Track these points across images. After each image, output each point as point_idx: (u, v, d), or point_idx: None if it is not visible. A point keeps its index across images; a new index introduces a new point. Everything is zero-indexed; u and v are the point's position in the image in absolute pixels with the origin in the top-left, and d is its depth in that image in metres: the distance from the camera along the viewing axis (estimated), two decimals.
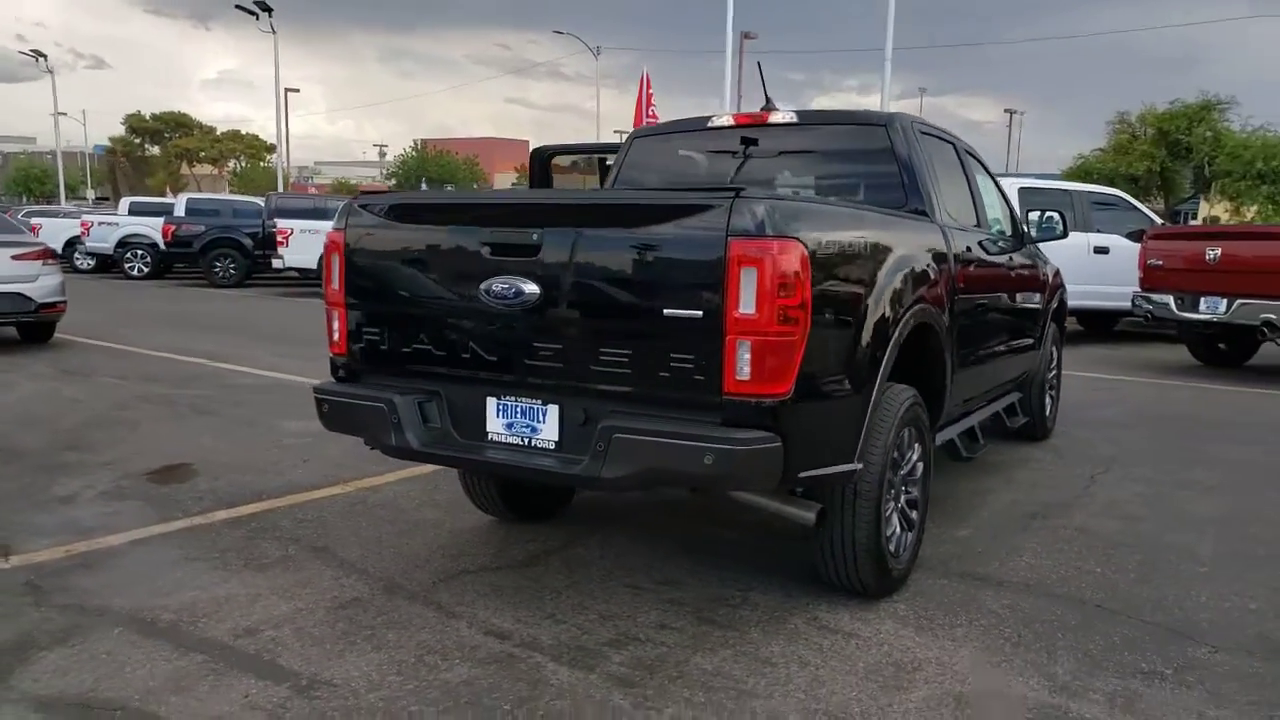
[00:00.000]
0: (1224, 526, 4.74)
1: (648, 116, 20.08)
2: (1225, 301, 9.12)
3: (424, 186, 30.53)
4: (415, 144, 53.32)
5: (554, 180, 5.96)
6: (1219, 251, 9.22)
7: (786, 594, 3.75)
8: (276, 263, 18.53)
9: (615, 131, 55.76)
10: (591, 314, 3.08)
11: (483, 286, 3.21)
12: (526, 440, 3.29)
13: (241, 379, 8.71)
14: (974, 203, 5.02)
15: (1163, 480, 5.61)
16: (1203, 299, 9.33)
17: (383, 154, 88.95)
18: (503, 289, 3.15)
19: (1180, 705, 2.93)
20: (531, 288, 3.11)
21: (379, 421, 3.42)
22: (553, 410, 3.24)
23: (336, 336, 3.64)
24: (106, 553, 4.12)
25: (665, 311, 2.91)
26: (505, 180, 59.47)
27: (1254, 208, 27.72)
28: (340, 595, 3.68)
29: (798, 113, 4.51)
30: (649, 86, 20.61)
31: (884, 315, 3.38)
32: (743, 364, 2.82)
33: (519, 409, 3.30)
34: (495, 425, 3.36)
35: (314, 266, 18.16)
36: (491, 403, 3.36)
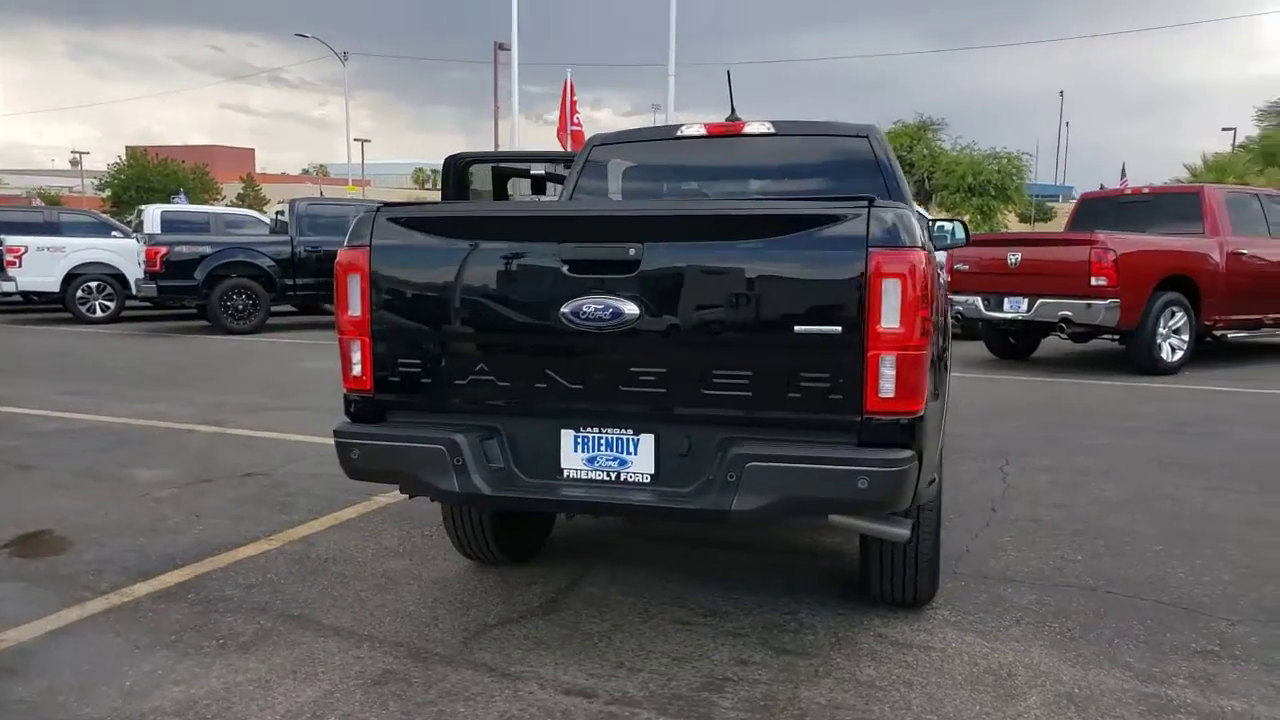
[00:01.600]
0: (1141, 507, 5.17)
1: (572, 125, 19.52)
2: (1027, 301, 10.07)
3: (181, 198, 27.60)
4: (127, 152, 48.35)
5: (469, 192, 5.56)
6: (1019, 256, 10.17)
7: (833, 612, 3.67)
8: (6, 285, 16.07)
9: (356, 140, 53.56)
10: (704, 335, 2.85)
11: (565, 309, 2.89)
12: (614, 475, 3.00)
13: (42, 424, 7.46)
14: None
15: (1061, 469, 6.05)
16: (1006, 299, 10.25)
17: (74, 162, 79.93)
18: (594, 310, 2.85)
19: (1251, 679, 3.13)
20: (631, 309, 2.84)
21: (434, 465, 2.99)
22: (646, 440, 2.97)
23: (358, 369, 3.15)
24: (22, 652, 3.35)
25: (796, 329, 2.75)
26: (232, 191, 55.34)
27: (966, 217, 30.98)
28: (365, 670, 3.19)
29: (774, 123, 4.45)
30: (572, 94, 19.86)
31: (943, 322, 3.39)
32: (886, 380, 2.71)
33: (603, 441, 3.00)
34: (572, 461, 3.04)
35: (56, 289, 16.01)
36: (567, 436, 3.03)
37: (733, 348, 2.84)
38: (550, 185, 5.29)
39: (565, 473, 3.04)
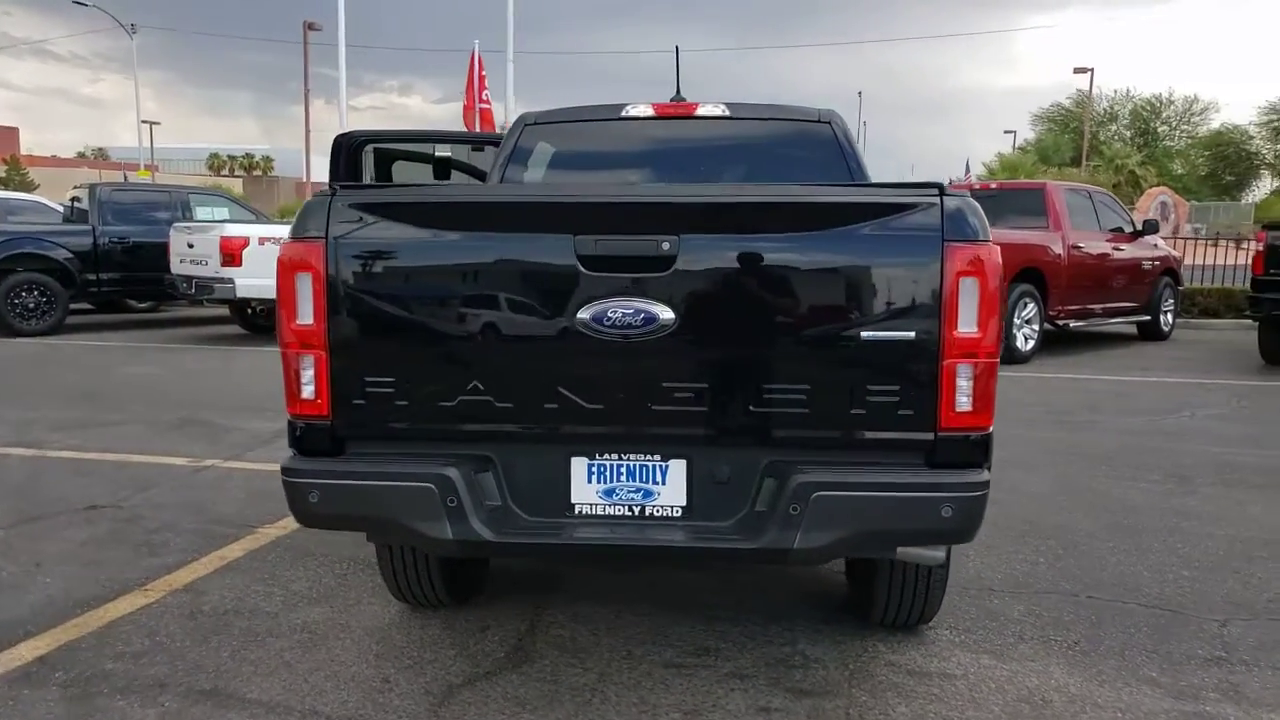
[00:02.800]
0: (1071, 501, 5.15)
1: (480, 102, 17.30)
2: None
3: None
4: None
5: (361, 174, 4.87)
6: None
7: (830, 639, 3.36)
8: None
9: (144, 122, 49.25)
10: (752, 343, 2.44)
11: (584, 314, 2.41)
12: (637, 509, 2.54)
13: None
14: None
15: None
16: None
17: None
18: (623, 316, 2.39)
19: (1270, 684, 3.04)
20: (665, 313, 2.39)
21: (421, 508, 2.44)
22: (677, 467, 2.53)
23: (311, 391, 2.54)
24: None
25: (864, 335, 2.38)
26: None
27: None
28: None
29: (728, 105, 4.06)
30: (481, 68, 17.48)
31: None
32: (963, 393, 2.39)
33: (623, 469, 2.54)
34: (586, 494, 2.56)
35: None
36: (579, 465, 2.55)
37: (787, 358, 2.45)
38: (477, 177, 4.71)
39: (577, 509, 2.56)
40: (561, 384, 2.47)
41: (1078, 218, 11.24)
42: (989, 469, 2.51)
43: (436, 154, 4.67)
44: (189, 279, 11.86)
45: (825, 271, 2.41)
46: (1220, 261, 16.28)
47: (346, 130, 4.73)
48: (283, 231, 11.71)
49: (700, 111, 4.05)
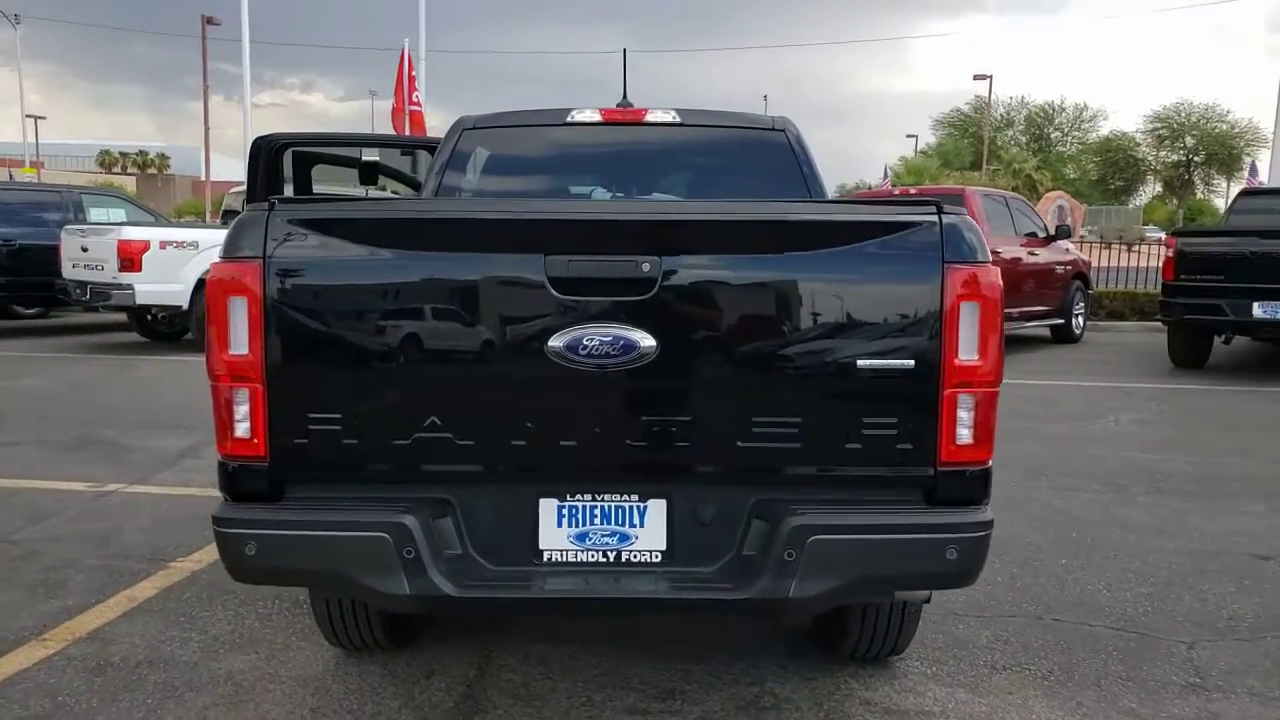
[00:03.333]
0: (1015, 514, 5.10)
1: (410, 104, 16.02)
2: None
3: None
4: None
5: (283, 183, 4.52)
6: None
7: (798, 675, 3.19)
8: None
9: (29, 117, 46.72)
10: (741, 373, 2.25)
11: (556, 342, 2.18)
12: (612, 554, 2.32)
13: None
14: None
15: None
16: None
17: None
18: (599, 344, 2.16)
19: (1248, 712, 2.99)
20: (647, 341, 2.18)
21: (373, 560, 2.17)
22: (656, 508, 2.32)
23: (245, 429, 2.25)
24: None
25: (859, 363, 2.21)
26: None
27: None
28: None
29: (679, 111, 3.86)
30: (411, 67, 16.24)
31: None
32: (964, 425, 2.24)
33: (597, 511, 2.32)
34: (555, 539, 2.33)
35: None
36: (548, 507, 2.32)
37: (777, 388, 2.26)
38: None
39: (546, 555, 2.33)
40: (530, 418, 2.24)
41: (996, 223, 11.41)
42: (989, 505, 2.36)
43: (364, 159, 4.35)
44: (83, 284, 11.14)
45: (818, 295, 2.23)
46: (1113, 264, 16.87)
47: (266, 133, 4.36)
48: (187, 235, 11.16)
49: (650, 118, 3.85)
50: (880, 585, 2.32)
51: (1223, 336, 10.34)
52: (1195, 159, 61.77)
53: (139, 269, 10.61)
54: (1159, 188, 67.16)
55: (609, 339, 2.16)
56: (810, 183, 3.76)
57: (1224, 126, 59.56)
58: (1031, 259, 11.89)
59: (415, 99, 16.36)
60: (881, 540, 2.22)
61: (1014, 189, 48.55)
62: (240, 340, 2.21)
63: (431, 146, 4.25)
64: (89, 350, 11.58)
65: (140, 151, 78.91)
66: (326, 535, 2.22)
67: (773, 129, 3.88)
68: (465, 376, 2.26)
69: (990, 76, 50.38)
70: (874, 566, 2.22)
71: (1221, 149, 59.51)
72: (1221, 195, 63.20)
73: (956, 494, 2.29)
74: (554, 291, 2.18)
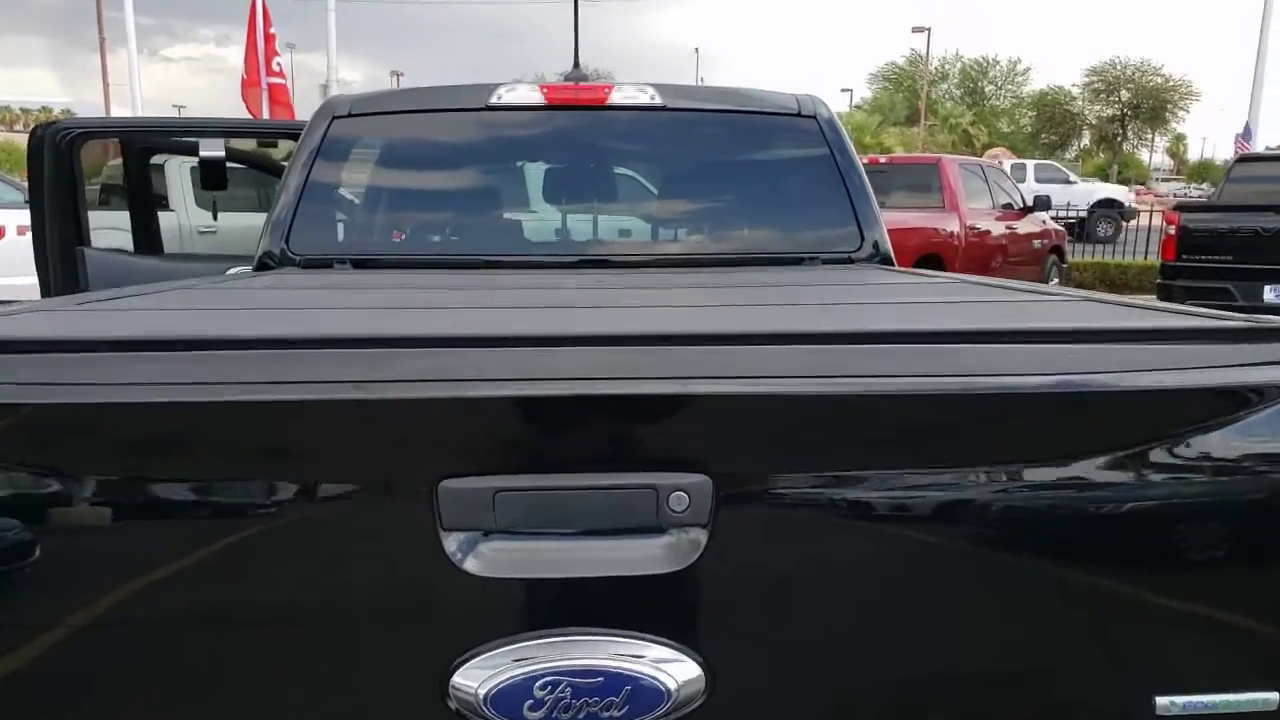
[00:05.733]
0: None
1: (269, 76, 11.38)
2: None
3: None
4: None
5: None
6: None
7: None
8: None
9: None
10: None
11: (465, 689, 0.95)
12: None
13: None
14: None
15: None
16: None
17: None
18: (575, 695, 0.94)
19: None
20: (686, 671, 0.96)
21: None
22: None
23: None
24: None
25: None
26: None
27: None
28: None
29: (658, 89, 2.58)
30: (269, 24, 11.45)
31: None
32: None
33: None
34: None
35: None
36: None
37: None
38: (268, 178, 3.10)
39: None
40: None
41: (972, 195, 10.41)
42: None
43: (202, 154, 3.01)
44: None
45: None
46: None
47: (53, 119, 3.00)
48: None
49: (616, 99, 2.56)
50: None
51: None
52: (1128, 113, 61.96)
53: None
54: (1088, 142, 67.30)
55: (594, 681, 0.94)
56: (852, 189, 2.54)
57: (1159, 80, 59.69)
58: (1009, 233, 10.94)
59: (275, 67, 11.74)
60: None
61: (951, 144, 48.02)
62: None
63: (296, 135, 2.95)
64: None
65: (44, 108, 74.51)
66: None
67: (799, 114, 2.62)
68: None
69: (929, 29, 49.51)
70: None
71: (1157, 103, 59.71)
72: (1149, 148, 63.73)
73: None
74: (460, 569, 0.95)
